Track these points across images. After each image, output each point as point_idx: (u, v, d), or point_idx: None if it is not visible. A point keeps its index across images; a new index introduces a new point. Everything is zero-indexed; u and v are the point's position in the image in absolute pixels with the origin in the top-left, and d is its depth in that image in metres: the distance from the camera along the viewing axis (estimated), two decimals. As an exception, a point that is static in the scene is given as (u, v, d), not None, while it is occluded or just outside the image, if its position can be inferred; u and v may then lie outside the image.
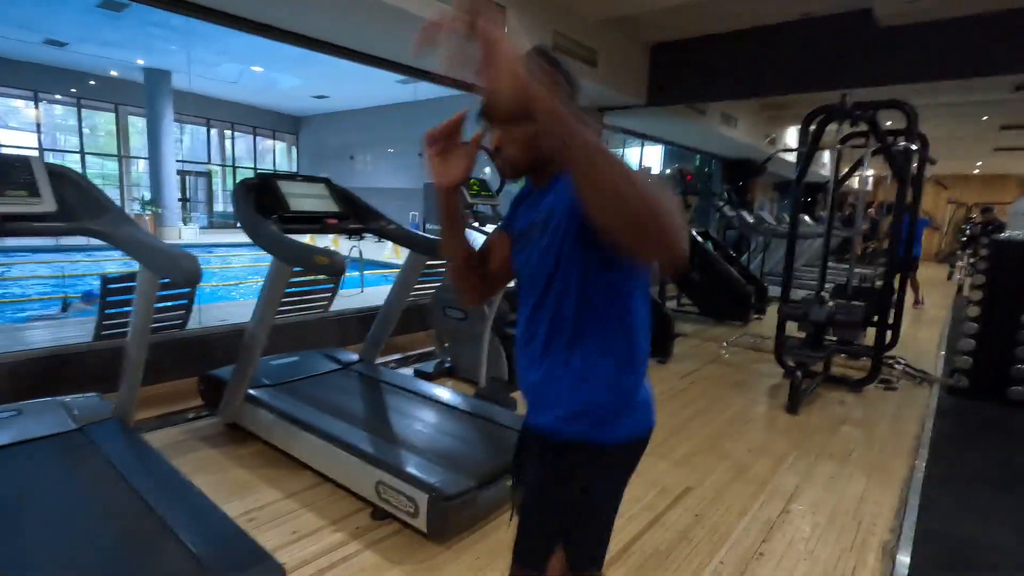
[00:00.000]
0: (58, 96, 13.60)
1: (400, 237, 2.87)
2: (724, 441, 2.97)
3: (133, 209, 14.12)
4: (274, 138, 19.40)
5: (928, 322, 6.57)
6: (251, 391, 2.68)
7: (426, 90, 12.28)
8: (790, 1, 4.36)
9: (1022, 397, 3.64)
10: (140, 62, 11.80)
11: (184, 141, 17.45)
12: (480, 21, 0.68)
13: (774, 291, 6.40)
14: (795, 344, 3.89)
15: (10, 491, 1.74)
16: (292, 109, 18.14)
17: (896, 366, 4.37)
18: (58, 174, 2.04)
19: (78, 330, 3.55)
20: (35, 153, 12.95)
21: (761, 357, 4.71)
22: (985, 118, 8.24)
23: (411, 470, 2.00)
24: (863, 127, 4.00)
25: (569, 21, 4.26)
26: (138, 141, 15.17)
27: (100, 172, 14.99)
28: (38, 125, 13.59)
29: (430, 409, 2.68)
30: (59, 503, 1.69)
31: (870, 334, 4.00)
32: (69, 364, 2.96)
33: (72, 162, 14.17)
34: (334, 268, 2.07)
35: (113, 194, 14.58)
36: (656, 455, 2.71)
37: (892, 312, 4.03)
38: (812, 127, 3.92)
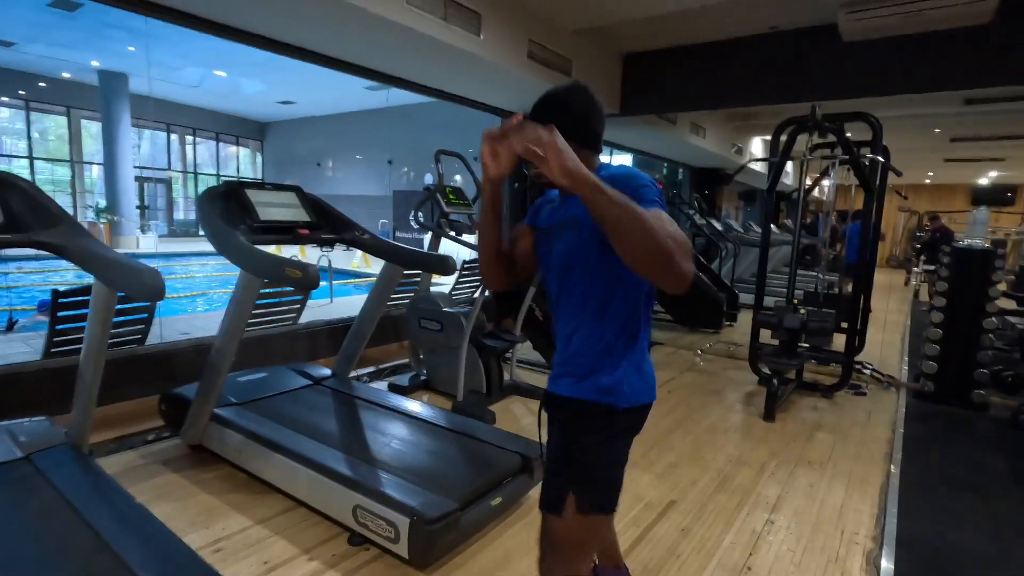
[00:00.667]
0: (3, 98, 12.94)
1: (375, 248, 2.78)
2: (705, 451, 2.96)
3: (87, 217, 13.52)
4: (238, 144, 18.90)
5: (889, 327, 6.78)
6: (216, 410, 2.54)
7: (396, 96, 12.17)
8: (758, 15, 4.45)
9: (985, 400, 3.76)
10: (95, 64, 11.32)
11: (142, 146, 16.83)
12: (534, 138, 0.98)
13: (744, 298, 6.51)
14: (769, 351, 3.93)
15: (-55, 530, 1.58)
16: (257, 115, 17.73)
17: (864, 371, 4.47)
18: (2, 181, 1.89)
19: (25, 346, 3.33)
20: (-21, 158, 12.32)
21: (735, 364, 4.76)
22: (937, 131, 8.60)
23: (390, 492, 1.91)
24: (830, 138, 4.11)
25: (544, 31, 4.25)
26: (92, 146, 14.56)
27: (50, 178, 14.31)
28: (-18, 128, 12.92)
29: (408, 426, 2.58)
30: (1, 542, 1.54)
31: (838, 340, 4.08)
32: (15, 385, 2.75)
33: (20, 167, 13.51)
34: (307, 281, 1.96)
35: (65, 201, 13.95)
36: (639, 468, 2.68)
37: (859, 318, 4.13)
38: (783, 138, 4.00)
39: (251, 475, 2.37)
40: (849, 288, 6.36)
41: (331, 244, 2.74)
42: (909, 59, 4.30)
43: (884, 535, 2.19)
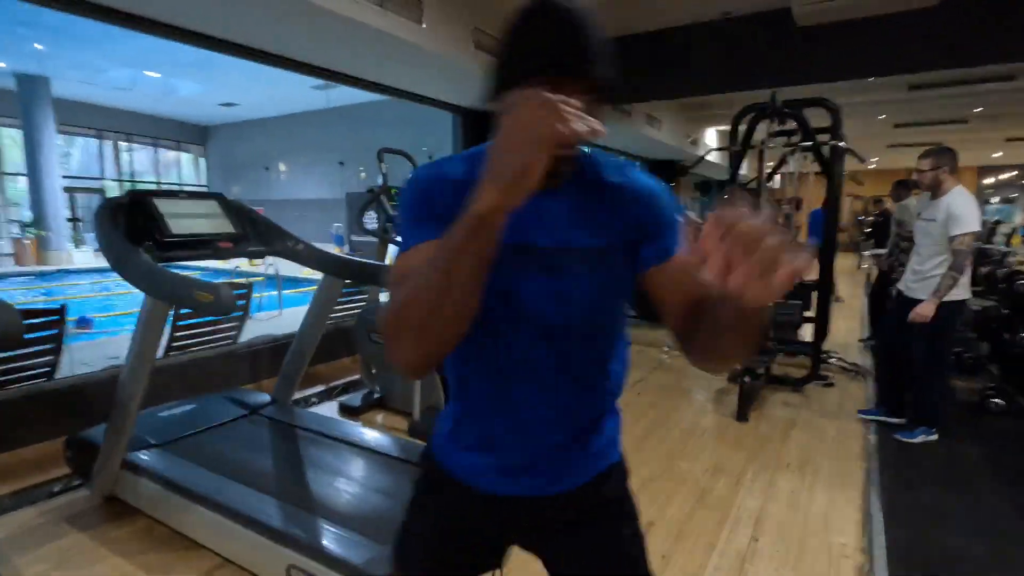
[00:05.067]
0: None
1: (310, 259, 2.49)
2: (680, 460, 2.79)
3: (11, 232, 12.53)
4: (179, 149, 17.97)
5: (846, 312, 6.85)
6: (131, 454, 2.21)
7: (345, 95, 11.71)
8: (710, 1, 4.33)
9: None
10: (1, 65, 10.47)
11: (73, 155, 15.79)
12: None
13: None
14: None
15: None
16: (197, 118, 16.88)
17: (830, 360, 4.42)
18: None
19: None
20: None
21: (702, 360, 4.64)
22: (882, 117, 8.79)
23: (329, 547, 1.64)
24: (787, 126, 4.02)
25: (490, 17, 4.01)
26: (18, 155, 13.50)
27: (-32, 192, 13.21)
28: None
29: (356, 459, 2.31)
30: None
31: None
32: None
33: (-68, 182, 12.41)
34: (218, 305, 1.67)
35: (-15, 216, 12.89)
36: (612, 485, 2.48)
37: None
38: (742, 126, 3.89)
39: (173, 529, 2.06)
40: (812, 276, 6.32)
41: (259, 257, 2.43)
42: (862, 43, 4.25)
43: (873, 547, 2.05)
